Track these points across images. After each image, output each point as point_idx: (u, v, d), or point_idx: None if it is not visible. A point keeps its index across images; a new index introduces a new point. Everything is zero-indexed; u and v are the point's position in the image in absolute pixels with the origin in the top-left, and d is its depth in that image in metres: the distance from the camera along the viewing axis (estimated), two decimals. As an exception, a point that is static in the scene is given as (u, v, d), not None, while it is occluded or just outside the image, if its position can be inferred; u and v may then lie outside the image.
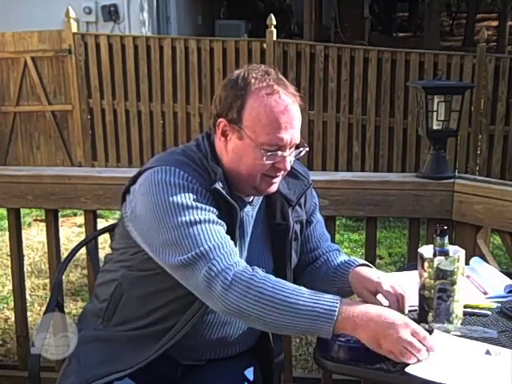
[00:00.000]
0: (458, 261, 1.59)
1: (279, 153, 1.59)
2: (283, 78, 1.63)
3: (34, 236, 5.39)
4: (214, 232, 1.52)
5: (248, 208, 1.71)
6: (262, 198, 1.74)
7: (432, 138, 2.47)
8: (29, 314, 2.96)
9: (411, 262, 2.22)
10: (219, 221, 1.56)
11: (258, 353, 1.84)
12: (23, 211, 3.22)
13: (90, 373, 1.65)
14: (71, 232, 5.42)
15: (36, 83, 7.05)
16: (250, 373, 1.77)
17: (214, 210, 1.56)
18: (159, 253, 1.56)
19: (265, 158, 1.58)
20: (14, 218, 2.59)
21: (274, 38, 6.65)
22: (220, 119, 1.61)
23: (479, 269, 2.00)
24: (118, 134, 7.10)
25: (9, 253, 2.70)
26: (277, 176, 1.64)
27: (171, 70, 6.88)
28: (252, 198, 1.72)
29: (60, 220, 2.67)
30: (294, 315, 1.44)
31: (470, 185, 2.37)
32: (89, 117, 7.11)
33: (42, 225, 4.83)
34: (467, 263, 1.93)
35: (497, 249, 4.52)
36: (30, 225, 5.68)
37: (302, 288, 1.49)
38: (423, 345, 1.42)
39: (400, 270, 2.21)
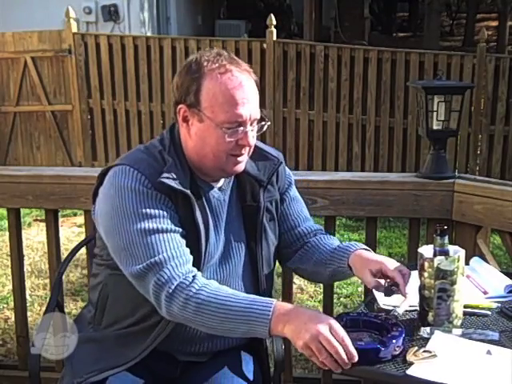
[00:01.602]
0: (458, 261, 1.59)
1: (240, 129, 1.62)
2: (235, 58, 1.67)
3: (34, 236, 5.39)
4: (165, 242, 1.58)
5: (218, 193, 1.73)
6: (232, 181, 1.76)
7: (432, 137, 2.47)
8: (29, 314, 2.95)
9: (411, 262, 2.22)
10: (172, 227, 1.60)
11: (256, 351, 1.84)
12: (23, 211, 3.22)
13: (81, 372, 1.68)
14: (71, 232, 5.42)
15: (36, 83, 7.05)
16: (249, 372, 1.77)
17: (165, 214, 1.60)
18: (116, 257, 1.64)
19: (227, 136, 1.61)
20: (14, 218, 2.59)
21: (274, 37, 6.66)
22: (180, 105, 1.65)
23: (479, 269, 2.00)
24: (118, 134, 7.10)
25: (9, 253, 2.69)
26: (242, 154, 1.66)
27: (171, 69, 6.87)
28: (222, 182, 1.74)
29: (60, 220, 2.67)
30: (231, 320, 1.51)
31: (470, 185, 2.37)
32: (89, 117, 7.11)
33: (42, 225, 4.82)
34: (467, 263, 1.93)
35: (497, 249, 4.52)
36: (30, 225, 5.68)
37: (237, 293, 1.56)
38: (342, 346, 1.42)
39: (400, 269, 2.21)
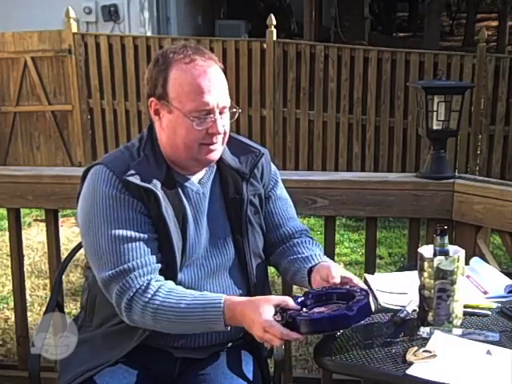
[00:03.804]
0: (457, 261, 1.59)
1: (209, 117, 1.64)
2: (201, 48, 1.70)
3: (34, 236, 5.40)
4: (132, 250, 1.61)
5: (197, 186, 1.74)
6: (213, 174, 1.77)
7: (432, 138, 2.47)
8: (29, 314, 2.95)
9: (411, 261, 2.22)
10: (141, 235, 1.62)
11: (255, 351, 1.84)
12: (23, 211, 3.22)
13: (70, 373, 1.70)
14: (71, 232, 5.42)
15: (36, 83, 7.05)
16: (249, 372, 1.77)
17: (135, 220, 1.63)
18: (88, 259, 1.71)
19: (195, 125, 1.63)
20: (14, 218, 2.59)
21: (274, 38, 6.66)
22: (150, 99, 1.68)
23: (479, 269, 2.00)
24: (118, 133, 7.10)
25: (9, 253, 2.69)
26: (214, 142, 1.67)
27: (171, 70, 6.87)
28: (202, 175, 1.76)
29: (60, 220, 2.67)
30: (189, 323, 1.58)
31: (470, 185, 2.37)
32: (89, 117, 7.11)
33: (42, 225, 4.83)
34: (467, 263, 1.93)
35: (497, 249, 4.52)
36: (30, 225, 5.69)
37: (186, 294, 1.60)
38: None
39: (400, 269, 2.21)
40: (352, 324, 1.50)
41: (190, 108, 1.62)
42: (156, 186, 1.64)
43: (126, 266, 1.60)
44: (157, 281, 1.61)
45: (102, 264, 1.62)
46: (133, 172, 1.63)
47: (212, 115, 1.64)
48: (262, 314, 1.50)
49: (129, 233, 1.61)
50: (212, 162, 1.74)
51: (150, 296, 1.58)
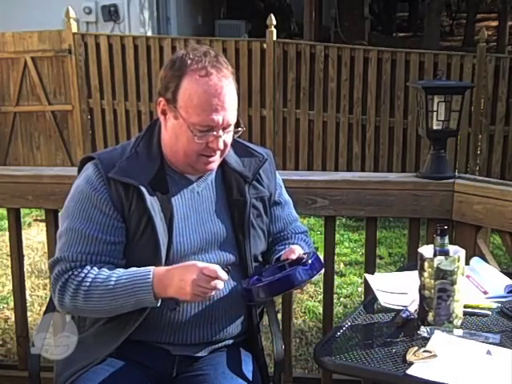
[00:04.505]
0: (458, 261, 1.59)
1: (211, 133, 1.66)
2: (221, 60, 1.69)
3: (34, 236, 5.39)
4: (84, 245, 1.67)
5: (192, 185, 1.77)
6: (213, 174, 1.80)
7: (432, 137, 2.47)
8: (29, 314, 2.95)
9: (411, 261, 2.22)
10: (100, 234, 1.67)
11: (252, 351, 1.84)
12: (23, 211, 3.22)
13: (65, 373, 1.71)
14: (71, 232, 5.41)
15: (36, 83, 7.05)
16: (249, 372, 1.77)
17: (101, 221, 1.67)
18: None
19: (196, 138, 1.65)
20: (14, 218, 2.59)
21: (274, 37, 6.65)
22: (160, 98, 1.70)
23: (479, 269, 2.00)
24: (118, 134, 7.10)
25: (9, 253, 2.69)
26: (213, 155, 1.70)
27: (171, 69, 6.86)
28: (200, 174, 1.78)
29: (60, 220, 2.67)
30: (119, 297, 1.62)
31: (470, 185, 2.37)
32: (89, 117, 7.11)
33: (42, 225, 4.82)
34: (467, 263, 1.93)
35: (497, 249, 4.52)
36: (30, 225, 5.69)
37: (116, 271, 1.65)
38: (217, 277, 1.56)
39: (400, 270, 2.21)
40: (310, 275, 1.59)
41: (194, 121, 1.64)
42: (142, 181, 1.67)
43: (72, 254, 1.66)
44: (86, 267, 1.66)
45: (58, 249, 1.69)
46: (117, 169, 1.67)
47: (215, 132, 1.66)
48: (194, 264, 1.57)
49: (87, 230, 1.67)
50: (208, 172, 1.77)
51: (83, 276, 1.64)
